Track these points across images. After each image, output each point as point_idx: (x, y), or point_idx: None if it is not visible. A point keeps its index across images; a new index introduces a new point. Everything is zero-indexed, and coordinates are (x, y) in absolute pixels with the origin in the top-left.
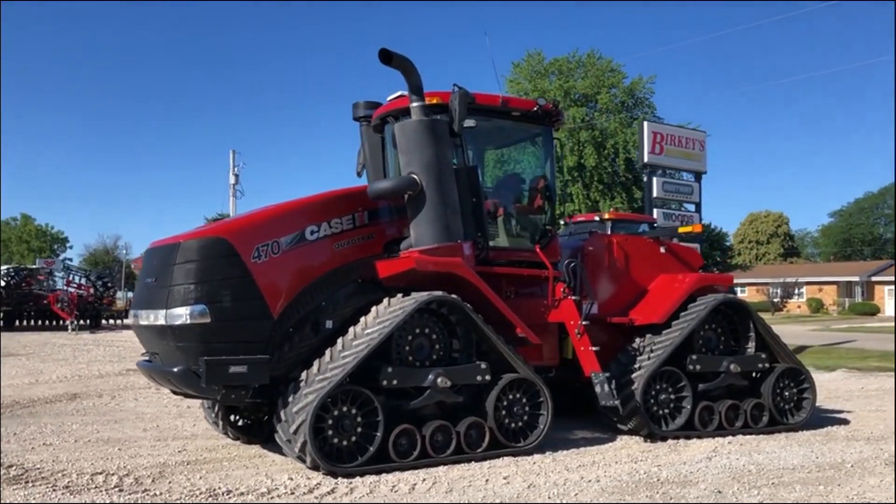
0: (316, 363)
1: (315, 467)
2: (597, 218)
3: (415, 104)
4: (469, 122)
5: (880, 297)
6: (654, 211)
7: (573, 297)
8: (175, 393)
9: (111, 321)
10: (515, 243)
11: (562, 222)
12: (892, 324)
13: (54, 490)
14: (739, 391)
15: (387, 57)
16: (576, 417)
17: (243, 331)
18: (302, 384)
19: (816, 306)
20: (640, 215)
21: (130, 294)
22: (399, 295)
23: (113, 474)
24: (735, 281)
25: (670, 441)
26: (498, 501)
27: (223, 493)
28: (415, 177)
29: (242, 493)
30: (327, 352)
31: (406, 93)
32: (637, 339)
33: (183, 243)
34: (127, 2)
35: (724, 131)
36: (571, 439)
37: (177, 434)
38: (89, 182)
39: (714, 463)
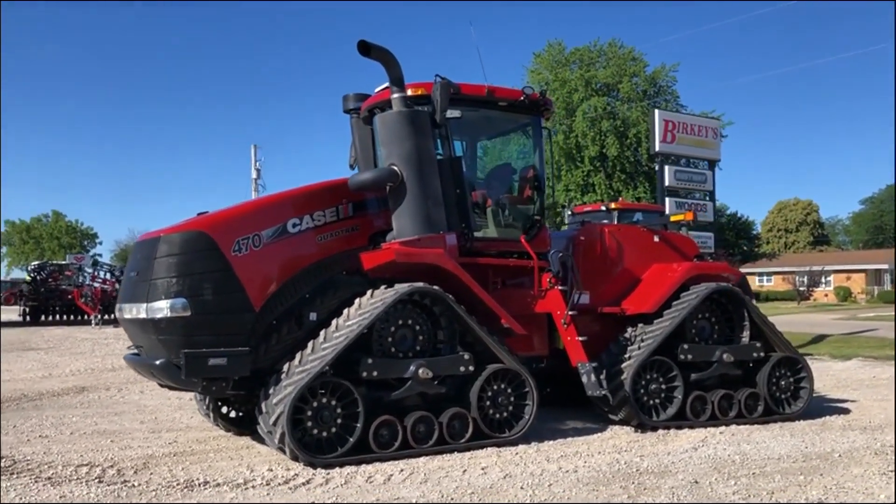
0: (298, 355)
1: (295, 458)
2: (602, 208)
3: (395, 95)
4: (454, 113)
5: None
6: (667, 200)
7: (560, 288)
8: (161, 385)
9: None
10: (503, 234)
11: (568, 213)
12: None
13: (36, 482)
14: (734, 381)
15: (365, 49)
16: (569, 408)
17: (224, 324)
18: (283, 376)
19: (844, 295)
20: (648, 205)
21: None
22: (382, 287)
23: (97, 466)
24: (761, 270)
25: (661, 431)
26: (468, 493)
27: (200, 485)
28: (395, 168)
29: (219, 485)
30: (310, 344)
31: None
32: (629, 329)
33: (163, 237)
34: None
35: (751, 118)
36: (561, 430)
37: (172, 426)
38: (119, 178)
39: (699, 453)
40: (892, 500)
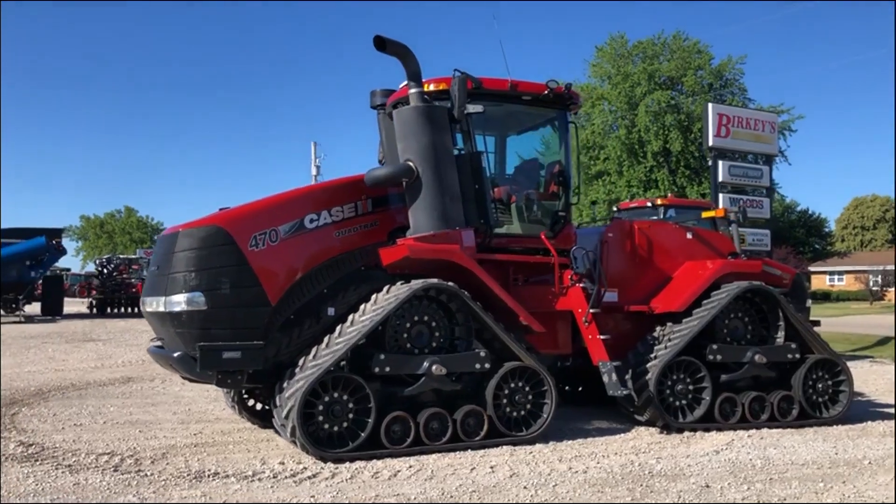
0: (314, 349)
1: (306, 451)
2: (649, 204)
3: (412, 90)
4: (476, 108)
5: None
6: (720, 196)
7: (582, 285)
8: (183, 378)
9: None
10: (527, 230)
11: (614, 209)
12: None
13: (56, 468)
14: (767, 383)
15: (381, 44)
16: (599, 408)
17: (240, 317)
18: (297, 370)
19: None
20: (697, 201)
21: None
22: (399, 282)
23: (118, 455)
24: (832, 269)
25: (686, 433)
26: (470, 491)
27: (209, 476)
28: (410, 164)
29: (227, 476)
30: (325, 338)
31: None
32: (657, 328)
33: (181, 232)
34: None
35: (824, 110)
36: (584, 429)
37: (202, 417)
38: (190, 174)
39: (720, 457)
40: (892, 501)
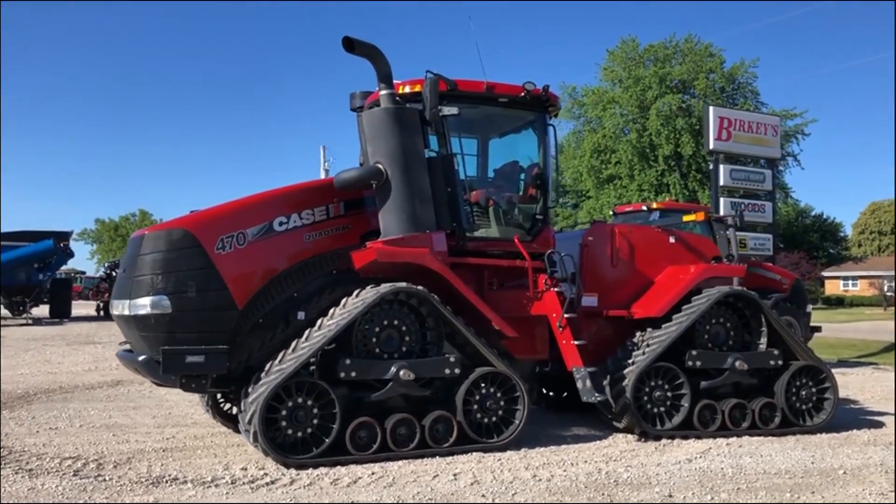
0: (280, 354)
1: (269, 457)
2: (644, 208)
3: (383, 92)
4: (451, 110)
5: None
6: (721, 200)
7: (557, 290)
8: (154, 382)
9: None
10: (504, 233)
11: (611, 212)
12: None
13: (17, 473)
14: (749, 390)
15: (349, 45)
16: (582, 414)
17: (207, 321)
18: (263, 374)
19: None
20: (694, 205)
21: None
22: (369, 286)
23: (82, 459)
24: (846, 273)
25: (664, 441)
26: (426, 498)
27: (167, 481)
28: (379, 166)
29: (185, 482)
30: (293, 343)
31: (397, 81)
32: (637, 334)
33: (147, 234)
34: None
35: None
36: (560, 436)
37: (179, 421)
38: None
39: (692, 465)
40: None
